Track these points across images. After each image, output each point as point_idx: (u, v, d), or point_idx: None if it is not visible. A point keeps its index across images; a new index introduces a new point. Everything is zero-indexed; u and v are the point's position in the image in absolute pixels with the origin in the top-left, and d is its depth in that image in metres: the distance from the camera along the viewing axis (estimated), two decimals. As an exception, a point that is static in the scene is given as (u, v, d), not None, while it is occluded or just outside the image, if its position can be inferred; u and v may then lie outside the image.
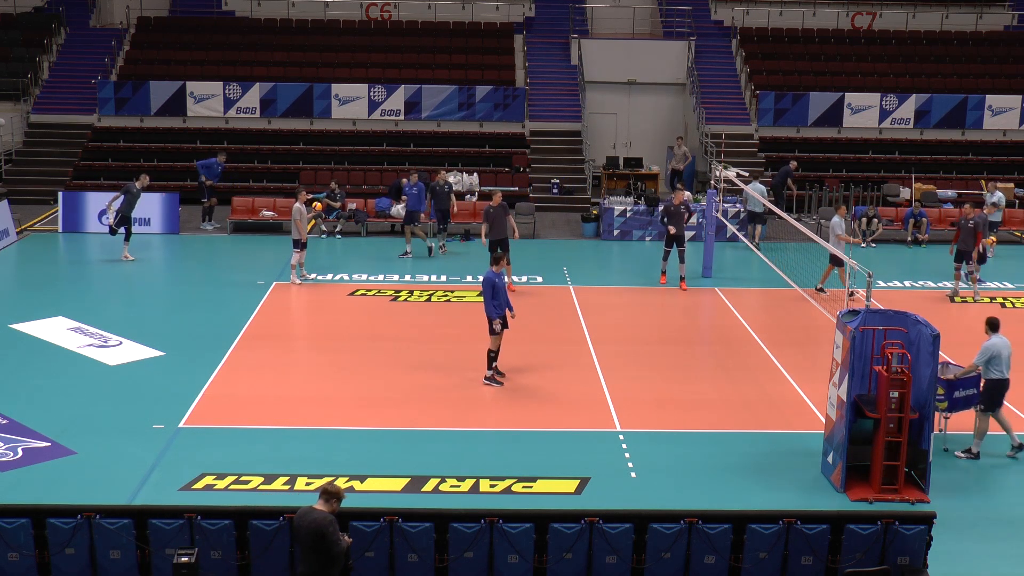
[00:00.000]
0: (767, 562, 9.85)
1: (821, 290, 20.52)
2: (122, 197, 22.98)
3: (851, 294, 19.23)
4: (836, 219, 20.37)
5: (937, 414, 13.34)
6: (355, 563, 9.75)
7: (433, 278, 22.07)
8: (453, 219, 26.51)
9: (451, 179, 29.42)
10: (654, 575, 9.82)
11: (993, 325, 13.53)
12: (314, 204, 22.51)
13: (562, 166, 31.18)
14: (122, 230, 23.10)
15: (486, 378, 15.76)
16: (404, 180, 24.61)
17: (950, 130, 32.28)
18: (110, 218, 23.38)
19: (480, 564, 9.77)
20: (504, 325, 15.54)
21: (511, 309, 15.76)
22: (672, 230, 21.31)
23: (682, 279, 21.44)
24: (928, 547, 9.91)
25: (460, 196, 28.54)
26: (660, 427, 14.43)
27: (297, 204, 21.25)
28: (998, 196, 25.80)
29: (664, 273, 21.73)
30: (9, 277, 22.63)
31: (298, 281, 21.27)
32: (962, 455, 13.50)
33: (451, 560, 9.77)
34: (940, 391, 13.16)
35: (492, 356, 15.73)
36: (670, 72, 33.56)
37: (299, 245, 21.11)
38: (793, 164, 28.93)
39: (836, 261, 20.10)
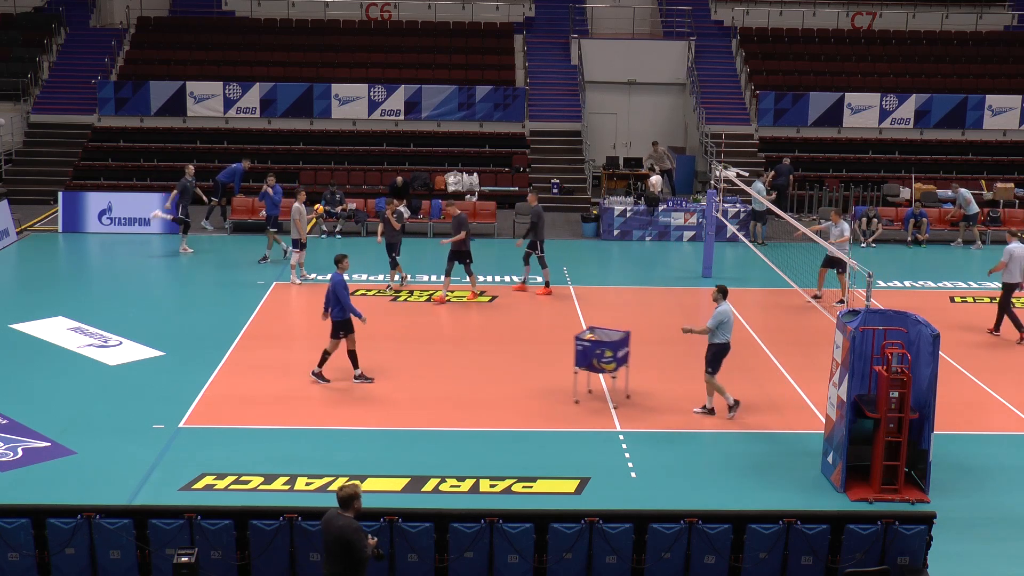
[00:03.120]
0: (767, 562, 9.85)
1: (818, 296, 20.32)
2: (179, 194, 23.80)
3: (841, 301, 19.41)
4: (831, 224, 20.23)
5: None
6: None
7: (433, 278, 22.07)
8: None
9: (450, 179, 29.48)
10: (654, 575, 9.82)
11: (723, 292, 14.47)
12: (316, 207, 22.52)
13: (562, 166, 31.18)
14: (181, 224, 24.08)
15: (356, 377, 15.74)
16: (271, 181, 24.01)
17: (950, 130, 32.27)
18: (172, 213, 24.14)
19: (480, 564, 9.77)
20: (348, 330, 15.53)
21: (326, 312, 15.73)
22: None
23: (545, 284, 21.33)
24: (928, 547, 9.92)
25: (460, 196, 28.57)
26: (660, 427, 14.43)
27: (296, 204, 21.29)
28: (961, 193, 26.30)
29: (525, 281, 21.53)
30: (9, 277, 22.64)
31: (298, 281, 21.29)
32: (699, 411, 14.73)
33: (451, 560, 9.78)
34: (608, 353, 14.77)
35: (353, 356, 15.68)
36: (670, 72, 33.56)
37: (299, 245, 21.15)
38: (786, 161, 28.90)
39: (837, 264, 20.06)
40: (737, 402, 14.72)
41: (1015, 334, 18.39)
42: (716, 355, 14.48)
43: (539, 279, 21.45)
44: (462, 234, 19.93)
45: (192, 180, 23.97)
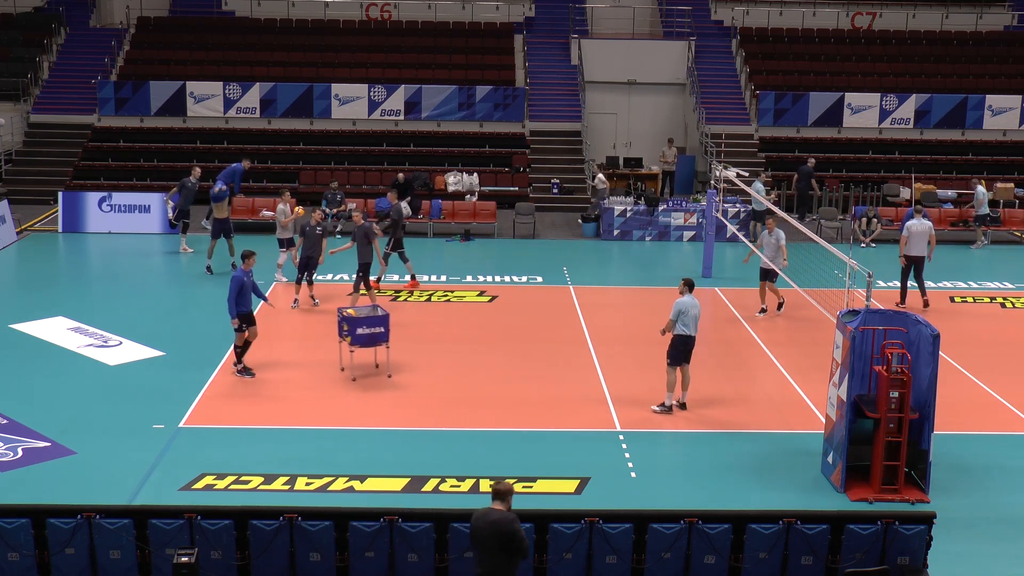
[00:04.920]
0: (767, 562, 9.85)
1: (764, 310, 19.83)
2: (178, 193, 23.74)
3: (763, 310, 19.33)
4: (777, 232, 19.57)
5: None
6: (355, 563, 9.76)
7: (433, 278, 22.08)
8: (452, 218, 26.58)
9: (450, 179, 29.48)
10: (654, 575, 9.82)
11: (689, 285, 14.74)
12: (297, 209, 22.43)
13: (562, 166, 31.18)
14: (180, 224, 24.07)
15: (238, 371, 15.98)
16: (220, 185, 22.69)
17: (950, 130, 32.27)
18: (169, 213, 24.32)
19: (480, 564, 9.76)
20: (251, 322, 15.80)
21: (265, 300, 16.61)
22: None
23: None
24: (928, 547, 9.92)
25: (460, 196, 28.58)
26: (660, 427, 14.43)
27: (281, 205, 21.44)
28: (979, 190, 26.42)
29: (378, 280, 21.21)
30: (9, 277, 22.63)
31: (284, 279, 21.37)
32: (657, 409, 14.75)
33: (451, 560, 9.78)
34: (346, 327, 15.69)
35: (239, 351, 15.95)
36: (670, 72, 33.56)
37: (284, 244, 21.26)
38: (811, 162, 28.74)
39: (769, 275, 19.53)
40: (671, 407, 14.78)
41: (919, 301, 20.25)
42: (674, 346, 14.61)
43: (406, 276, 21.58)
44: (348, 244, 18.92)
45: (195, 182, 23.91)
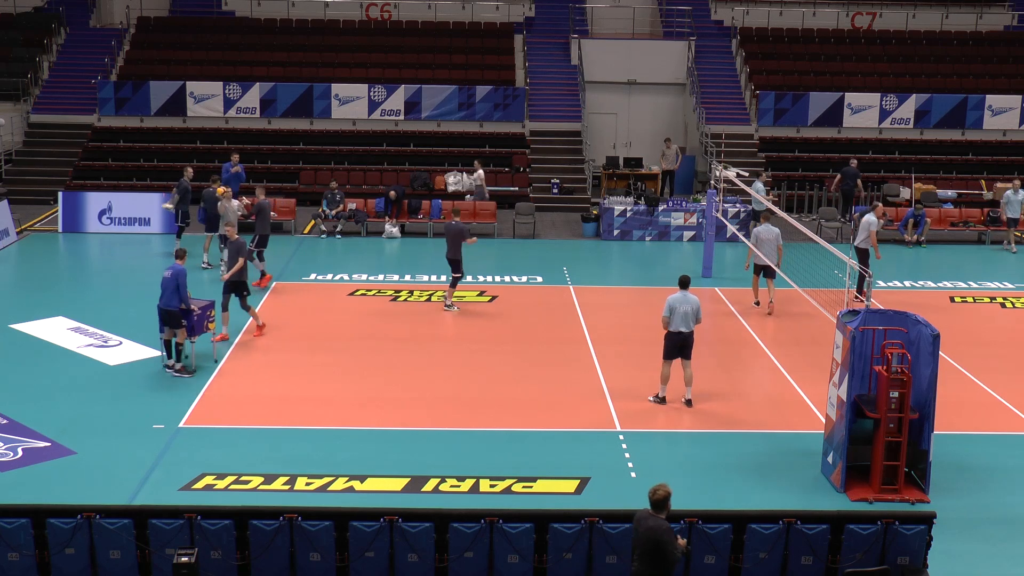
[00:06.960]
0: (767, 562, 9.86)
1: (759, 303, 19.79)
2: (177, 195, 23.45)
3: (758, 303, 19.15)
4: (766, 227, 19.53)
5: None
6: (355, 563, 9.76)
7: (433, 278, 22.08)
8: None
9: (450, 179, 29.49)
10: (654, 575, 9.82)
11: (682, 283, 14.99)
12: (219, 189, 22.15)
13: (562, 166, 31.18)
14: (179, 227, 23.71)
15: (176, 371, 16.00)
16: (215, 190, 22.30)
17: (950, 130, 32.26)
18: (177, 219, 23.64)
19: (480, 564, 9.78)
20: (184, 316, 15.78)
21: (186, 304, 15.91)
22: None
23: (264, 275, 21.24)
24: (928, 547, 9.93)
25: (460, 196, 28.58)
26: (660, 427, 14.44)
27: (235, 203, 21.58)
28: (1021, 194, 26.05)
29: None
30: (9, 277, 22.63)
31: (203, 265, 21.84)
32: (651, 399, 15.09)
33: (451, 560, 9.78)
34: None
35: (180, 348, 16.00)
36: (670, 72, 33.55)
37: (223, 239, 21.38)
38: (854, 163, 28.61)
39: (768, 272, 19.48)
40: (663, 399, 15.07)
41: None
42: (665, 342, 14.96)
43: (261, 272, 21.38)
44: (240, 262, 17.63)
45: (187, 182, 23.79)
